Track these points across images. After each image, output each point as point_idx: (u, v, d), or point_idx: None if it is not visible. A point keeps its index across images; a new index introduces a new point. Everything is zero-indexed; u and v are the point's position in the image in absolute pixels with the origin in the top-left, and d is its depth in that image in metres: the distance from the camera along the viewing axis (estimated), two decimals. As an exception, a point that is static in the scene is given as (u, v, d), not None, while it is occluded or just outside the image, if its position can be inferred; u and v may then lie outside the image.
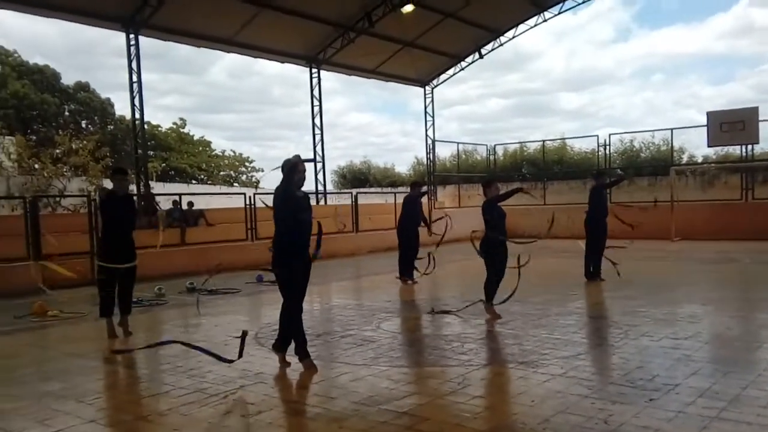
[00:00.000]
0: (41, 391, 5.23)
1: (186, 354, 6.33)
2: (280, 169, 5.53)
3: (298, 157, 5.49)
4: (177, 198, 15.44)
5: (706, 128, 19.51)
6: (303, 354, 5.64)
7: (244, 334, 5.81)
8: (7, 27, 47.21)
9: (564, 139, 27.83)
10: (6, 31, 47.06)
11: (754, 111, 18.89)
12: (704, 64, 65.03)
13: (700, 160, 24.10)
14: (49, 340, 7.63)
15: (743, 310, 8.21)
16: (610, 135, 23.01)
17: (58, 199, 18.50)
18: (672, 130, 22.44)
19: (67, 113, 37.99)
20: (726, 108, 20.05)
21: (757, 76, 56.85)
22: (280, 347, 5.78)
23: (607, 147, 22.88)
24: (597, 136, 23.49)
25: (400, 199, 12.61)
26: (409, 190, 11.95)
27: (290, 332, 5.67)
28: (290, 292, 5.58)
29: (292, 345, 5.71)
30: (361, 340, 6.78)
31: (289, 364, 5.68)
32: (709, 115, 19.48)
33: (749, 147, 19.98)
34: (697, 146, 25.85)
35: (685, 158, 24.33)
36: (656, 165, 23.47)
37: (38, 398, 5.03)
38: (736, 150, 21.33)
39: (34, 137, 31.74)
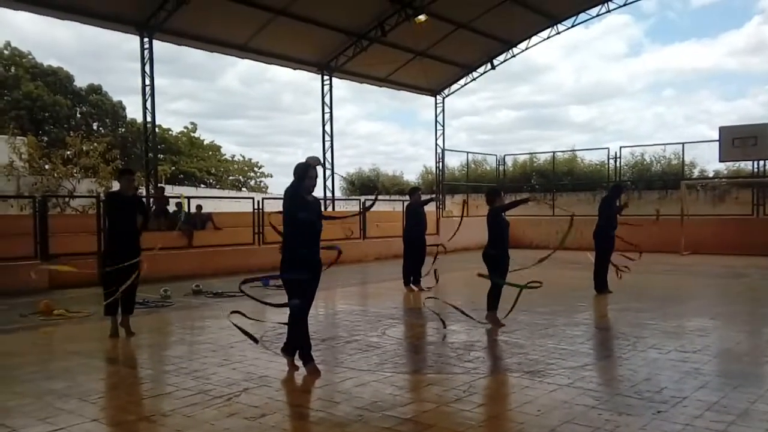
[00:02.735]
0: (44, 389, 5.22)
1: (190, 355, 6.34)
2: (293, 174, 5.54)
3: (317, 159, 5.50)
4: (181, 202, 15.47)
5: (718, 143, 19.43)
6: (307, 358, 5.61)
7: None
8: (22, 29, 47.61)
9: (574, 150, 27.80)
10: (21, 33, 47.48)
11: (766, 127, 18.79)
12: (716, 80, 64.88)
13: (711, 174, 23.98)
14: (53, 339, 7.63)
15: (752, 325, 8.14)
16: (621, 148, 22.91)
17: (67, 199, 18.58)
18: (683, 144, 22.39)
19: (78, 115, 38.25)
20: (737, 123, 19.95)
21: (768, 93, 56.59)
22: (288, 351, 5.75)
23: (618, 160, 22.79)
24: (608, 148, 23.40)
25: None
26: (408, 197, 11.93)
27: (294, 336, 5.64)
28: (296, 297, 5.55)
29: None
30: (366, 345, 6.74)
31: (297, 368, 5.65)
32: (722, 130, 19.40)
33: (761, 162, 19.87)
34: (708, 161, 25.71)
35: (696, 173, 24.21)
36: (667, 179, 23.37)
37: (41, 396, 5.02)
38: (747, 165, 21.21)
39: (46, 138, 32.01)
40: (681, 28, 68.71)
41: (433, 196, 20.14)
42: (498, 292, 7.74)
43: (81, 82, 39.41)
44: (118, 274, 7.12)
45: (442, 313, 7.94)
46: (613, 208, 10.65)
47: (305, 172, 5.41)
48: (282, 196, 5.62)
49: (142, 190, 16.13)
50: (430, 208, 13.34)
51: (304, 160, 5.54)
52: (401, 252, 11.79)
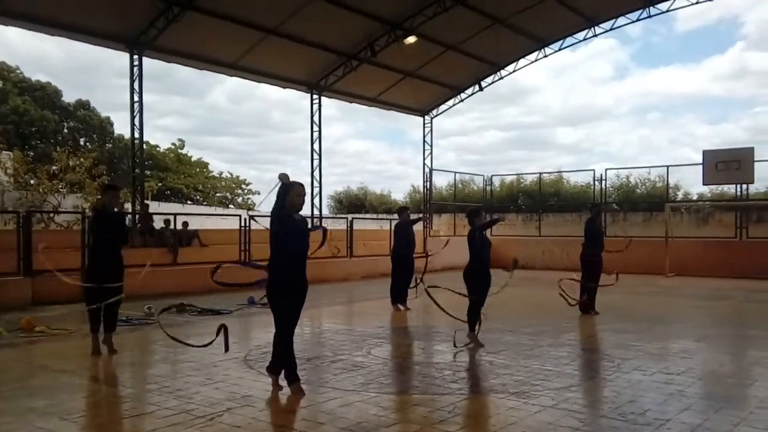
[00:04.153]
0: (25, 407, 5.14)
1: (173, 374, 6.28)
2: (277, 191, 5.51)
3: (285, 176, 5.46)
4: (168, 219, 15.49)
5: (701, 166, 19.66)
6: (292, 378, 5.57)
7: (223, 328, 5.68)
8: (11, 44, 47.42)
9: (560, 172, 28.03)
10: (10, 48, 47.29)
11: (749, 151, 19.07)
12: (700, 105, 65.71)
13: (695, 197, 24.25)
14: (35, 356, 7.52)
15: (736, 347, 8.20)
16: (606, 170, 23.22)
17: (52, 215, 18.43)
18: (668, 167, 22.63)
19: (66, 130, 38.12)
20: (720, 147, 20.24)
21: (751, 117, 57.49)
22: (273, 370, 5.70)
23: (603, 181, 23.02)
24: (593, 170, 23.64)
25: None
26: (397, 216, 11.98)
27: (280, 356, 5.60)
28: (281, 316, 5.52)
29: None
30: (352, 365, 6.71)
31: (281, 387, 5.60)
32: (705, 153, 19.65)
33: (744, 186, 20.12)
34: (692, 184, 26.09)
35: (680, 195, 24.48)
36: (651, 201, 23.60)
37: (22, 414, 4.94)
38: (731, 189, 21.45)
39: (32, 153, 31.80)
40: (666, 53, 69.79)
41: (422, 216, 20.16)
42: (477, 311, 7.75)
43: (69, 97, 39.37)
44: (101, 292, 7.06)
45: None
46: (596, 230, 10.73)
47: (286, 192, 5.40)
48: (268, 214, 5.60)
49: (128, 206, 16.05)
50: (417, 227, 13.37)
51: (279, 174, 5.50)
52: (388, 271, 11.79)
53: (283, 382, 5.62)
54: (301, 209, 5.62)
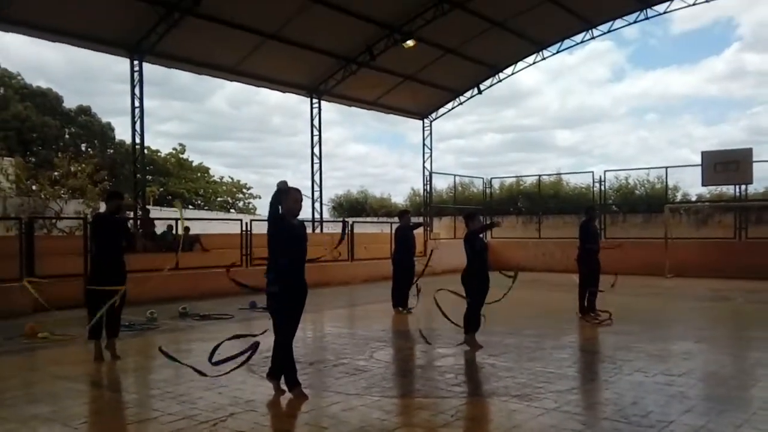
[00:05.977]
0: (29, 414, 5.17)
1: (176, 379, 6.30)
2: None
3: (284, 183, 5.50)
4: (172, 223, 15.52)
5: (700, 167, 19.69)
6: (293, 383, 5.59)
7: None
8: (12, 51, 47.71)
9: (560, 174, 28.03)
10: (11, 54, 47.53)
11: (747, 152, 19.10)
12: (697, 106, 65.95)
13: (694, 198, 24.27)
14: (38, 363, 7.55)
15: (737, 348, 8.22)
16: (605, 171, 23.20)
17: (54, 221, 18.44)
18: (666, 168, 22.67)
19: (67, 136, 38.15)
20: (718, 148, 20.27)
21: (749, 118, 57.73)
22: (274, 375, 5.72)
23: (603, 183, 23.04)
24: (592, 172, 23.67)
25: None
26: (398, 220, 12.02)
27: (280, 360, 5.62)
28: (281, 321, 5.54)
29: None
30: (354, 369, 6.73)
31: (283, 392, 5.62)
32: (704, 154, 19.68)
33: (743, 187, 20.15)
34: (691, 185, 26.10)
35: (679, 196, 24.49)
36: (651, 202, 23.62)
37: (25, 421, 4.97)
38: (729, 189, 21.48)
39: (34, 159, 31.85)
40: (662, 55, 70.05)
41: (422, 220, 20.18)
42: (475, 314, 7.77)
43: (70, 103, 39.45)
44: (103, 297, 7.08)
45: (429, 334, 7.98)
46: (590, 232, 10.69)
47: (278, 198, 5.44)
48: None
49: (131, 214, 16.07)
50: (418, 230, 13.40)
51: (279, 182, 5.54)
52: (389, 274, 11.81)
53: (284, 386, 5.64)
54: (298, 214, 5.65)
